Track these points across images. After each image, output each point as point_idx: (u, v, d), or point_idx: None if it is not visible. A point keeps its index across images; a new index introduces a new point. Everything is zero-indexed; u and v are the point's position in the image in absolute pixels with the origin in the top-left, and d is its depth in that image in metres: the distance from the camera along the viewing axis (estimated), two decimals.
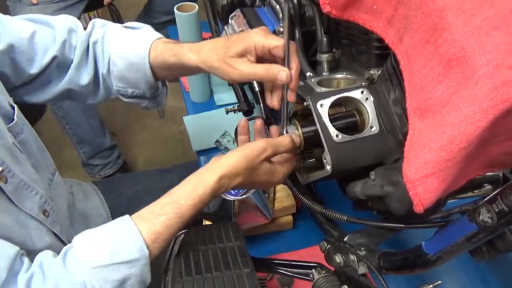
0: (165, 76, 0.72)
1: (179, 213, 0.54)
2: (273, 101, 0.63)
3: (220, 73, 0.61)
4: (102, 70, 0.71)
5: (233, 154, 0.56)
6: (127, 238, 0.51)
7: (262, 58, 0.61)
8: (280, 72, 0.57)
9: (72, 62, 0.70)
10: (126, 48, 0.69)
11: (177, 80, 1.34)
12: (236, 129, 0.87)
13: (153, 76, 0.69)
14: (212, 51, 0.62)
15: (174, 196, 0.55)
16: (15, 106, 0.64)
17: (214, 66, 0.61)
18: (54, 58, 0.68)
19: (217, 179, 0.55)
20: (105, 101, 0.77)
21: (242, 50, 0.60)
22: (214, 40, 0.65)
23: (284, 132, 0.63)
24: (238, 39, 0.61)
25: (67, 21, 0.71)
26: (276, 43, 0.58)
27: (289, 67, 0.58)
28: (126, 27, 0.73)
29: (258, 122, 0.64)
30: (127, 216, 0.54)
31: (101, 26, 0.72)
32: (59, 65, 0.70)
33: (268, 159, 0.58)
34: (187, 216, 0.54)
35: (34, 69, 0.68)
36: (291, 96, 0.60)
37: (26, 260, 0.50)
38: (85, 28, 0.72)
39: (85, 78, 0.72)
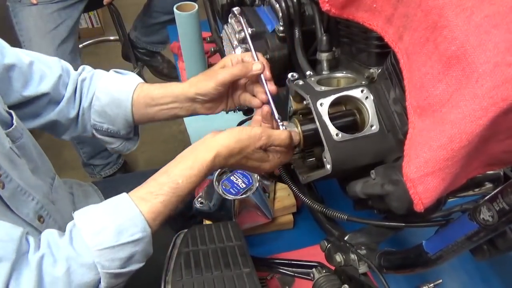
0: (144, 114, 0.75)
1: (177, 192, 0.56)
2: (259, 96, 0.70)
3: (204, 83, 0.70)
4: (84, 104, 0.76)
5: (230, 135, 0.59)
6: (130, 220, 0.54)
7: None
8: (254, 64, 0.68)
9: (63, 97, 0.74)
10: (113, 85, 0.75)
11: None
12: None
13: (132, 115, 0.75)
14: (198, 76, 0.72)
15: (171, 175, 0.57)
16: (12, 112, 0.65)
17: (199, 80, 0.71)
18: (46, 94, 0.72)
19: (212, 158, 0.57)
20: (76, 137, 0.81)
21: (222, 65, 0.71)
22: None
23: (281, 127, 0.63)
24: (218, 63, 0.72)
25: (60, 62, 0.76)
26: (244, 54, 0.71)
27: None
28: (115, 71, 0.79)
29: (265, 109, 0.67)
30: (125, 195, 0.56)
31: (90, 70, 0.79)
32: (50, 101, 0.74)
33: (262, 148, 0.60)
34: (185, 193, 0.57)
35: (27, 92, 0.70)
36: (271, 86, 0.68)
37: (31, 238, 0.52)
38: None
39: (72, 112, 0.76)
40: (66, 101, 0.74)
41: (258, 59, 0.69)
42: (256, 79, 0.70)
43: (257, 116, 0.69)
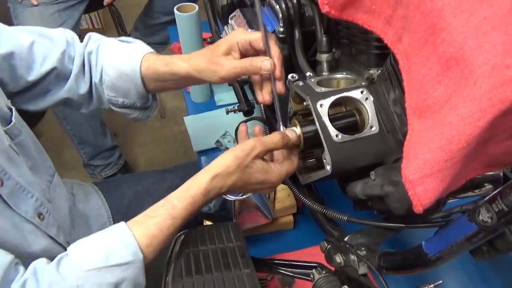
0: (156, 87, 0.73)
1: (173, 214, 0.54)
2: (264, 95, 0.65)
3: (209, 74, 0.64)
4: (95, 79, 0.73)
5: (225, 155, 0.57)
6: (121, 242, 0.52)
7: (246, 54, 0.65)
8: (264, 62, 0.60)
9: (71, 73, 0.72)
10: (119, 58, 0.71)
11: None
12: (236, 129, 0.87)
13: (144, 86, 0.72)
14: (200, 55, 0.66)
15: (168, 199, 0.55)
16: (13, 108, 0.65)
17: (203, 68, 0.65)
18: (53, 69, 0.70)
19: (210, 179, 0.55)
20: (96, 110, 0.79)
21: (226, 49, 0.64)
22: (204, 48, 0.69)
23: (281, 128, 0.63)
24: (222, 41, 0.65)
25: (65, 34, 0.73)
26: (255, 36, 0.62)
27: (270, 57, 0.61)
28: (120, 40, 0.75)
29: (257, 129, 0.65)
30: (122, 222, 0.55)
31: (96, 39, 0.75)
32: (58, 75, 0.71)
33: (259, 157, 0.58)
34: (181, 217, 0.54)
35: (32, 77, 0.69)
36: (279, 87, 0.62)
37: (21, 268, 0.51)
38: (84, 35, 0.74)
39: (83, 87, 0.74)
40: (74, 77, 0.72)
41: (270, 51, 0.61)
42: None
43: (241, 140, 0.66)
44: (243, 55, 0.65)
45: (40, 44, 0.69)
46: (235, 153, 0.56)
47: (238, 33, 0.64)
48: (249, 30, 0.79)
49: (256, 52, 0.64)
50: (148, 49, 0.73)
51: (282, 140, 0.59)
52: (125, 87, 0.72)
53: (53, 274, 0.49)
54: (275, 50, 0.62)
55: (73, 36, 0.74)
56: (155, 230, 0.53)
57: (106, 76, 0.72)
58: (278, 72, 0.61)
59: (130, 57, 0.71)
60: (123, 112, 0.77)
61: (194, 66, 0.66)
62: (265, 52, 0.61)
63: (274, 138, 0.59)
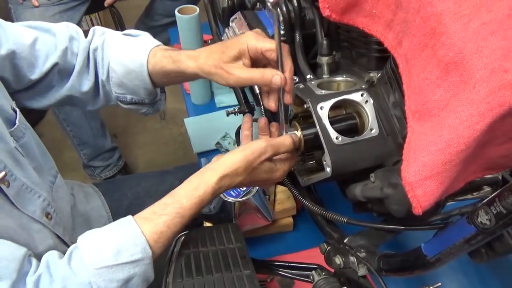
0: (164, 82, 0.73)
1: (181, 213, 0.55)
2: (270, 103, 0.64)
3: (217, 79, 0.63)
4: (102, 76, 0.72)
5: (235, 155, 0.57)
6: (131, 239, 0.53)
7: (256, 60, 0.62)
8: (274, 77, 0.58)
9: (74, 69, 0.71)
10: (125, 55, 0.69)
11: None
12: (236, 131, 0.88)
13: (152, 83, 0.70)
14: (208, 57, 0.63)
15: (176, 196, 0.56)
16: (18, 110, 0.65)
17: (211, 72, 0.63)
18: (55, 65, 0.69)
19: (218, 179, 0.56)
20: (104, 107, 0.78)
21: (236, 54, 0.61)
22: (211, 46, 0.66)
23: (284, 133, 0.63)
24: (232, 44, 0.62)
25: (68, 29, 0.72)
26: (268, 46, 0.59)
27: (282, 70, 0.59)
28: (125, 34, 0.73)
29: (263, 121, 0.65)
30: (129, 217, 0.55)
31: (101, 34, 0.73)
32: (60, 71, 0.71)
33: (268, 159, 0.59)
34: (189, 215, 0.55)
35: (35, 75, 0.68)
36: (287, 98, 0.61)
37: (34, 261, 0.51)
38: (86, 35, 0.73)
39: (86, 84, 0.73)
40: (77, 74, 0.71)
41: (283, 65, 0.59)
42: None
43: (245, 131, 0.67)
44: (253, 61, 0.62)
45: (43, 41, 0.68)
46: (245, 153, 0.57)
47: (249, 39, 0.61)
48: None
49: (267, 61, 0.62)
50: (154, 42, 0.71)
51: (292, 145, 0.60)
52: (133, 85, 0.71)
53: (65, 269, 0.50)
54: (288, 63, 0.60)
55: (77, 30, 0.73)
56: (163, 227, 0.54)
57: (113, 74, 0.70)
58: (288, 86, 0.60)
59: (137, 53, 0.69)
60: (132, 108, 0.76)
61: (202, 67, 0.64)
62: (277, 62, 0.59)
63: (285, 142, 0.60)
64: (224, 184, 0.56)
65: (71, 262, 0.51)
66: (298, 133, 0.62)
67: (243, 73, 0.60)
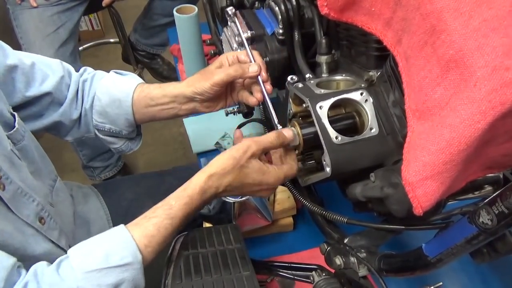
0: (145, 113, 0.76)
1: (170, 214, 0.54)
2: (256, 95, 0.71)
3: (201, 84, 0.70)
4: (86, 105, 0.76)
5: (222, 155, 0.57)
6: (120, 243, 0.52)
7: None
8: (251, 65, 0.68)
9: (66, 99, 0.75)
10: (113, 85, 0.75)
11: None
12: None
13: (133, 114, 0.75)
14: (195, 74, 0.73)
15: (166, 200, 0.56)
16: (15, 114, 0.65)
17: (196, 80, 0.71)
18: (49, 94, 0.72)
19: (206, 178, 0.55)
20: (80, 138, 0.81)
21: (218, 64, 0.72)
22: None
23: (278, 127, 0.63)
24: (214, 61, 0.73)
25: (62, 65, 0.77)
26: (241, 52, 0.71)
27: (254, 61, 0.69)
28: (116, 72, 0.79)
29: (237, 133, 0.65)
30: (121, 225, 0.55)
31: (91, 71, 0.79)
32: (53, 101, 0.74)
33: (255, 156, 0.57)
34: (179, 217, 0.55)
35: (30, 92, 0.70)
36: (267, 87, 0.68)
37: (23, 271, 0.51)
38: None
39: (75, 113, 0.77)
40: (69, 102, 0.75)
41: (254, 60, 0.69)
42: (253, 79, 0.70)
43: (237, 142, 0.67)
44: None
45: (40, 68, 0.72)
46: (231, 152, 0.57)
47: (227, 54, 0.73)
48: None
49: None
50: (142, 80, 0.78)
51: (278, 139, 0.59)
52: (114, 114, 0.75)
53: (53, 276, 0.49)
54: (258, 58, 0.70)
55: (69, 67, 0.78)
56: (153, 230, 0.54)
57: (97, 102, 0.75)
58: (264, 74, 0.69)
59: (125, 84, 0.75)
60: (108, 140, 0.80)
61: (187, 82, 0.72)
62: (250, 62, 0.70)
63: (269, 137, 0.59)
64: (213, 184, 0.55)
65: (59, 269, 0.50)
66: (298, 132, 0.62)
67: (222, 70, 0.69)
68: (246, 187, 0.58)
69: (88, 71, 0.79)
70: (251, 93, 0.73)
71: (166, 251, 0.64)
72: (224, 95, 0.75)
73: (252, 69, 0.68)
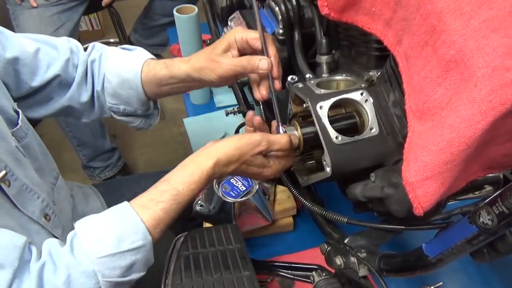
0: (156, 93, 0.74)
1: (178, 199, 0.56)
2: (261, 91, 0.66)
3: (208, 72, 0.66)
4: (97, 87, 0.74)
5: (229, 143, 0.58)
6: (131, 227, 0.53)
7: (244, 52, 0.66)
8: (261, 61, 0.62)
9: (74, 80, 0.73)
10: (121, 65, 0.72)
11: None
12: (236, 131, 0.87)
13: (145, 93, 0.73)
14: (199, 55, 0.68)
15: (172, 183, 0.57)
16: (20, 111, 0.65)
17: (202, 67, 0.66)
18: (56, 76, 0.71)
19: (212, 165, 0.57)
20: (98, 119, 0.80)
21: (225, 46, 0.65)
22: (203, 49, 0.71)
23: (280, 127, 0.63)
24: (221, 39, 0.67)
25: (69, 43, 0.75)
26: (252, 35, 0.64)
27: (268, 57, 0.63)
28: (122, 48, 0.77)
29: (257, 119, 0.65)
30: (126, 203, 0.56)
31: (99, 48, 0.76)
32: (61, 83, 0.72)
33: (262, 153, 0.59)
34: (185, 200, 0.57)
35: (35, 82, 0.69)
36: (276, 85, 0.64)
37: (34, 248, 0.52)
38: (85, 49, 0.76)
39: (85, 95, 0.75)
40: (76, 85, 0.73)
41: (267, 51, 0.63)
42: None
43: (248, 128, 0.67)
44: (241, 53, 0.66)
45: (45, 51, 0.70)
46: (240, 143, 0.58)
47: (237, 31, 0.65)
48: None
49: (253, 51, 0.65)
50: (149, 55, 0.74)
51: (289, 144, 0.60)
52: (126, 94, 0.73)
53: (69, 258, 0.51)
54: (272, 49, 0.63)
55: (77, 45, 0.76)
56: (161, 214, 0.55)
57: (108, 84, 0.73)
58: (275, 71, 0.63)
59: (132, 63, 0.72)
60: (125, 120, 0.78)
61: (193, 65, 0.67)
62: (263, 51, 0.63)
63: (281, 139, 0.60)
64: (218, 171, 0.57)
65: (73, 250, 0.52)
66: (297, 132, 0.62)
67: (230, 60, 0.64)
68: (243, 174, 0.62)
69: (97, 48, 0.75)
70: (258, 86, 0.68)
71: (166, 251, 0.64)
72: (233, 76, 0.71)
73: (262, 66, 0.62)
